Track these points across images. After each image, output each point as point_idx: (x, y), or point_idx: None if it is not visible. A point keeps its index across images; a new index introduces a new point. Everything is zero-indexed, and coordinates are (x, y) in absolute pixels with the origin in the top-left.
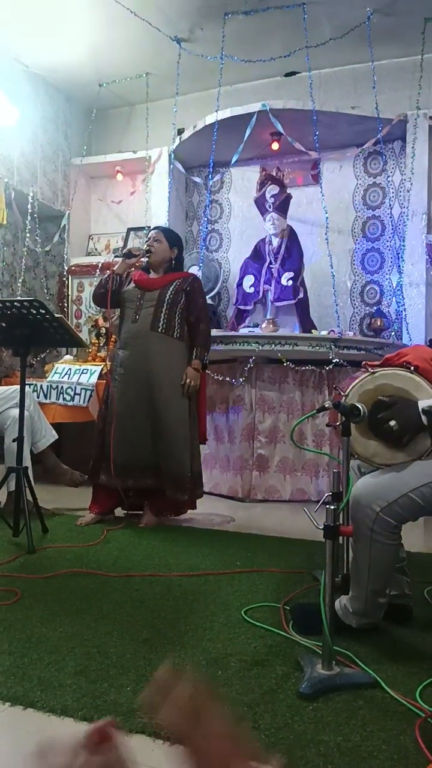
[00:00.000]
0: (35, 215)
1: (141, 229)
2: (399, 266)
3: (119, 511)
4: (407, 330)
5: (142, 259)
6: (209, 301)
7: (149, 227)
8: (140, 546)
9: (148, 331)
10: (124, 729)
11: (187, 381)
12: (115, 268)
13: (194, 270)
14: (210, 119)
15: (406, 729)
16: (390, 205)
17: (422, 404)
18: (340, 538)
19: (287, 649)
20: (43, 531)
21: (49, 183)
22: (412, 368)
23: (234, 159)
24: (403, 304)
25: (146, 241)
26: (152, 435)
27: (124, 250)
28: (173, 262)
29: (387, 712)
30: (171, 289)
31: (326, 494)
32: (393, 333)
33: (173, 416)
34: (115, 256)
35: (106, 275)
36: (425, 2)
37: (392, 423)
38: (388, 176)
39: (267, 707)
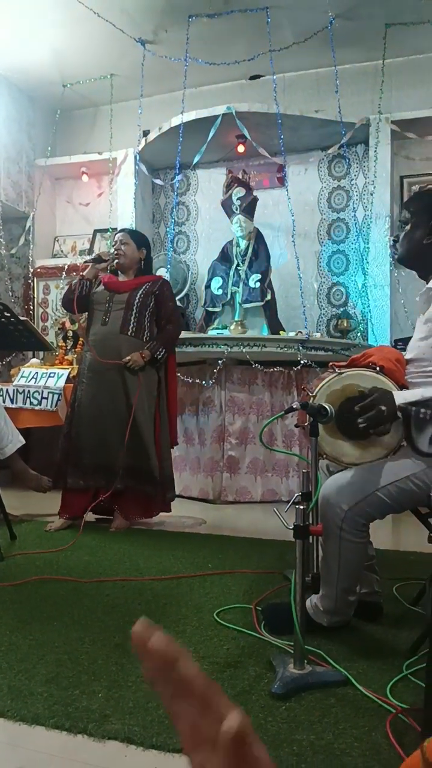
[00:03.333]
0: None
1: (107, 230)
2: (364, 268)
3: (89, 516)
4: (373, 331)
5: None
6: (177, 303)
7: (115, 229)
8: (111, 550)
9: (117, 333)
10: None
11: (128, 359)
12: (84, 273)
13: (162, 272)
14: (175, 121)
15: (378, 725)
16: (354, 208)
17: (399, 399)
18: (310, 537)
19: (260, 649)
20: (11, 538)
21: (13, 184)
22: (377, 368)
23: (196, 159)
24: (369, 306)
25: (113, 246)
26: (123, 437)
27: (94, 255)
28: (142, 263)
29: (359, 710)
30: (140, 292)
31: (296, 494)
32: (359, 334)
33: (143, 417)
34: (84, 262)
35: (75, 280)
36: (386, 8)
37: (378, 410)
38: (352, 179)
39: (240, 708)
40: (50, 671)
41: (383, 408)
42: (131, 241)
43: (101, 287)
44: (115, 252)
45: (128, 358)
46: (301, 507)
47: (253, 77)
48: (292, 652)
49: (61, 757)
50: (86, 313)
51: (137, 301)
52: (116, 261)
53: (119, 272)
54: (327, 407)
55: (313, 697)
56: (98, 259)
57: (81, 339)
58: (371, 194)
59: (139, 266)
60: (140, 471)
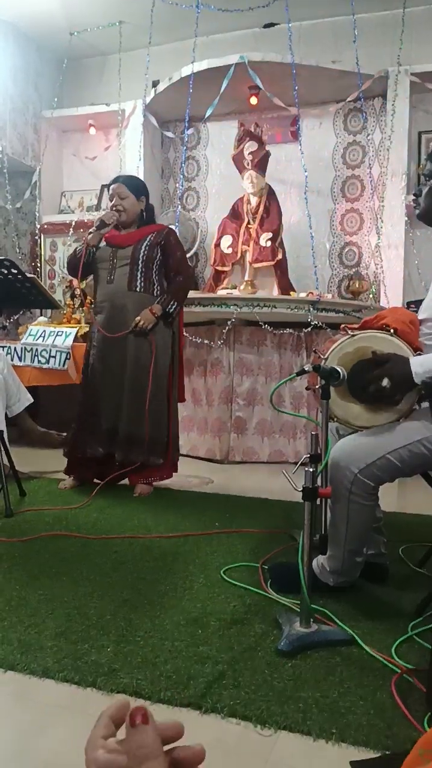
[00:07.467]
0: (5, 171)
1: None
2: (378, 228)
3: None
4: (385, 292)
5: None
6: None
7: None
8: (119, 508)
9: (125, 291)
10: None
11: (138, 320)
12: (88, 240)
13: None
14: (186, 71)
15: (383, 685)
16: (370, 164)
17: (415, 366)
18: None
19: (266, 607)
20: (21, 494)
21: (19, 137)
22: (391, 331)
23: (209, 112)
24: (382, 266)
25: (111, 201)
26: (136, 402)
27: (97, 222)
28: (143, 213)
29: (364, 669)
30: (145, 244)
31: (304, 456)
32: (371, 295)
33: (158, 383)
34: (89, 232)
35: (80, 246)
36: None
37: (385, 382)
38: (369, 134)
39: (246, 665)
40: (59, 625)
41: (385, 383)
42: (129, 192)
43: (103, 244)
44: (115, 209)
45: (138, 319)
46: (311, 469)
47: (268, 25)
48: (298, 610)
49: (70, 709)
50: (91, 276)
51: (142, 254)
52: (118, 218)
53: (121, 227)
54: (339, 370)
55: (318, 656)
56: (102, 225)
57: (89, 298)
58: (388, 150)
59: (140, 217)
60: (150, 438)
